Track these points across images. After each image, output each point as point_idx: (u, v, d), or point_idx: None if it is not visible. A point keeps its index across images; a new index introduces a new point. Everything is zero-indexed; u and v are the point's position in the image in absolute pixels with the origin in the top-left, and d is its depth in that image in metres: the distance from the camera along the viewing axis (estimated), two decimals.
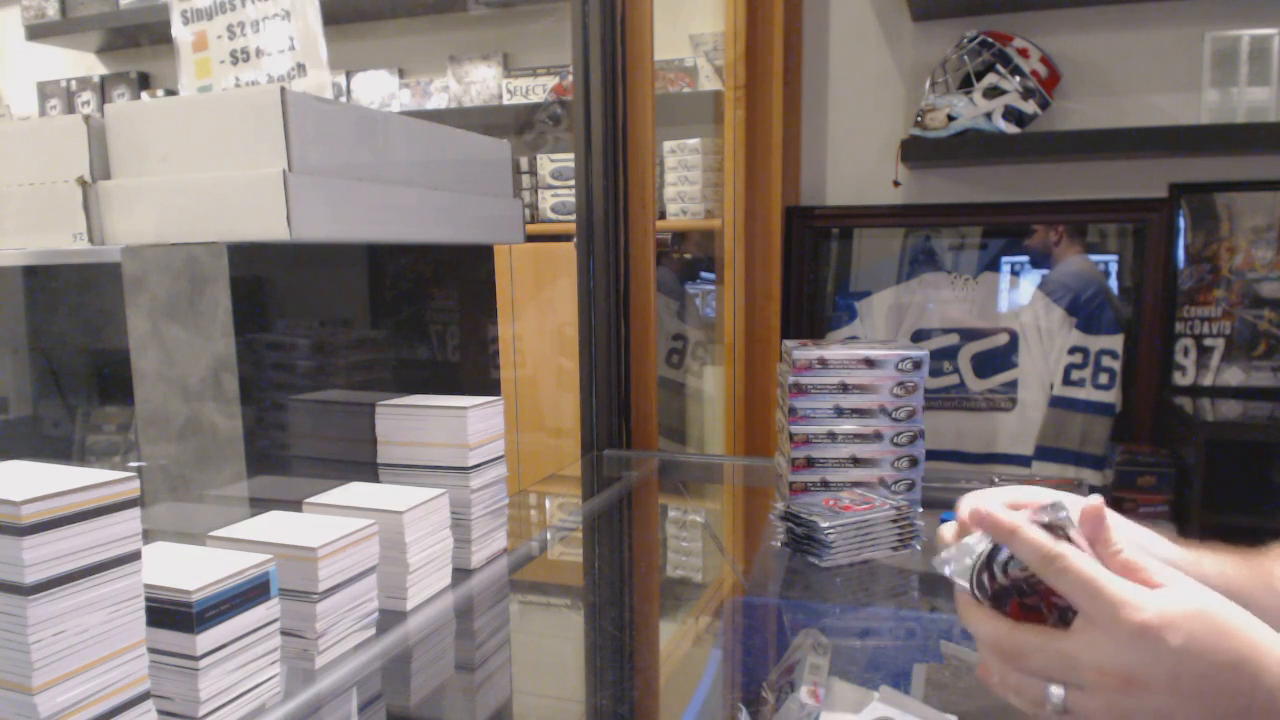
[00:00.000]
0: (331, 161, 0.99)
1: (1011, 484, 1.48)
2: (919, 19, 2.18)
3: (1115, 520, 0.61)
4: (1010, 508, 0.61)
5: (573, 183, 2.44)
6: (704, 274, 2.54)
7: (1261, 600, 0.64)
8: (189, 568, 0.74)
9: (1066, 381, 2.08)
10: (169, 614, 0.71)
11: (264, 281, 1.03)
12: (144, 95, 3.19)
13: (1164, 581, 0.55)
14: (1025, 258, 2.17)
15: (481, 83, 2.82)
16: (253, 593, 0.76)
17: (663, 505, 1.69)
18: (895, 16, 2.21)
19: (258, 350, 1.00)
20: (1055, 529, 0.58)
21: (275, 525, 0.90)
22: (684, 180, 2.46)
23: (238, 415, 0.97)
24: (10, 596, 0.59)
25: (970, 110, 1.99)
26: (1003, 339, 2.15)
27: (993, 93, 1.99)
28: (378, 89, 2.94)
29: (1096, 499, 0.59)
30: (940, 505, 1.39)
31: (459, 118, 2.80)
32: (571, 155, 2.32)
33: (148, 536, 0.71)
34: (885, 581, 1.16)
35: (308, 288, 1.13)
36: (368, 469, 1.14)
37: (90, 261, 1.05)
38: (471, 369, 1.44)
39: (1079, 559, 0.56)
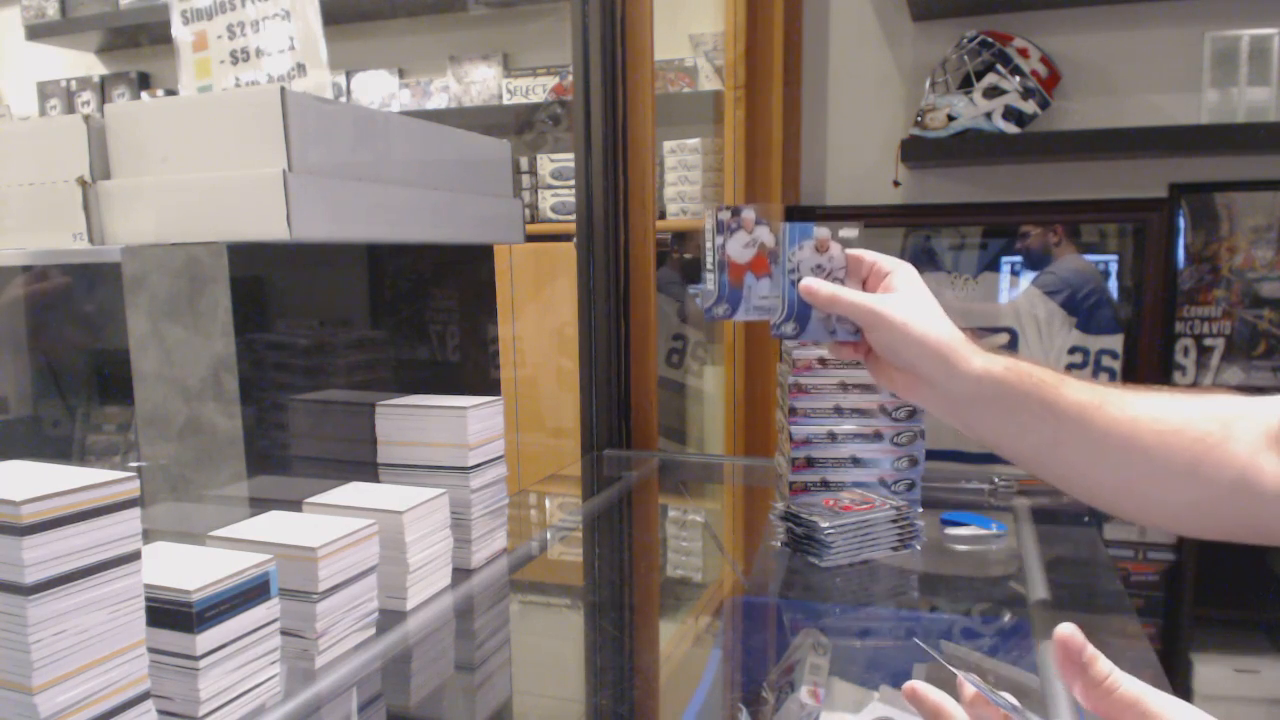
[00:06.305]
0: (331, 161, 0.99)
1: (1012, 485, 1.48)
2: (919, 19, 2.18)
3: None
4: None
5: (573, 183, 2.44)
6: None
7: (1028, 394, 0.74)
8: (189, 567, 0.74)
9: None
10: (169, 614, 0.71)
11: (264, 281, 1.03)
12: (144, 95, 3.19)
13: (1161, 710, 0.51)
14: (1024, 258, 2.17)
15: (481, 83, 2.82)
16: (253, 593, 0.76)
17: (663, 505, 1.69)
18: (895, 16, 2.21)
19: (258, 350, 1.00)
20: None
21: (275, 525, 0.90)
22: (684, 180, 2.46)
23: (238, 415, 0.97)
24: (10, 596, 0.59)
25: (970, 110, 1.99)
26: (1002, 339, 2.15)
27: (993, 93, 1.99)
28: (378, 89, 2.94)
29: (1068, 628, 0.53)
30: (940, 505, 1.40)
31: (459, 118, 2.80)
32: (571, 155, 2.32)
33: (148, 536, 0.71)
34: (885, 581, 1.16)
35: (308, 288, 1.13)
36: (368, 469, 1.14)
37: (90, 261, 1.06)
38: (471, 369, 1.44)
39: None
